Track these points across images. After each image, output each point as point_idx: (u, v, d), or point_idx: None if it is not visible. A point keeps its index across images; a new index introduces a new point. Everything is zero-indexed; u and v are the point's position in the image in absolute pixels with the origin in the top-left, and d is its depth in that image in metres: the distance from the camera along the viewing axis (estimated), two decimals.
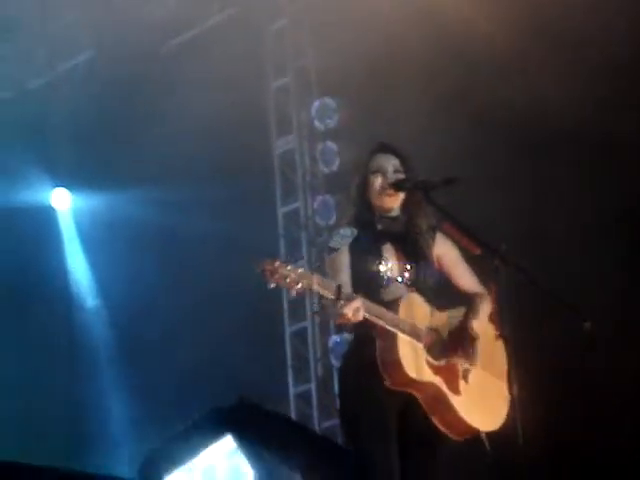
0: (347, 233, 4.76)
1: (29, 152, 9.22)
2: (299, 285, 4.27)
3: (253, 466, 2.29)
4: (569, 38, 7.16)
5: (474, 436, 4.69)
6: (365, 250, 4.74)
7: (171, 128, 8.64)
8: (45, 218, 9.62)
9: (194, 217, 8.69)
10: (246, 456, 2.33)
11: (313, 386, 8.45)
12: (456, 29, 7.50)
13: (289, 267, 4.24)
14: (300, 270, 4.28)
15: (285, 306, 8.70)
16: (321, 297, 4.46)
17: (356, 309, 4.42)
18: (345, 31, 8.16)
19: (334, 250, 4.59)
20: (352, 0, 8.03)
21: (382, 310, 4.58)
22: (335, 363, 8.07)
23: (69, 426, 8.87)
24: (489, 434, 4.73)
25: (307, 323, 8.60)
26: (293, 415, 8.47)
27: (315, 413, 8.40)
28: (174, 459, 2.36)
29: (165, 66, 8.71)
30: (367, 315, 4.48)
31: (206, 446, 2.33)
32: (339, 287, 4.39)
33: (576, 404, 6.88)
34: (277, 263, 4.23)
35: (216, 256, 8.65)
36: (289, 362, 8.60)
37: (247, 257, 8.17)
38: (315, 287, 4.32)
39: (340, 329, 8.01)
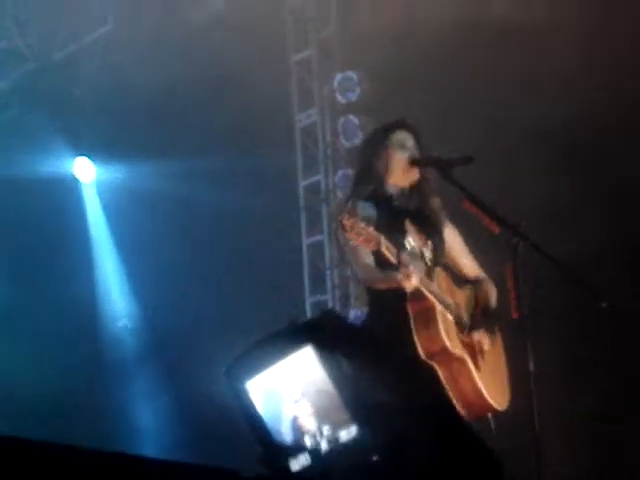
0: (367, 206, 4.81)
1: (53, 123, 9.26)
2: (370, 244, 4.42)
3: (332, 379, 2.39)
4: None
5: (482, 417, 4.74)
6: (387, 226, 4.77)
7: (193, 100, 8.66)
8: (68, 189, 9.66)
9: (216, 189, 8.71)
10: (325, 369, 2.43)
11: None
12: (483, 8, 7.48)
13: (363, 224, 4.37)
14: (371, 229, 4.41)
15: (306, 278, 8.73)
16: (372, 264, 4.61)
17: (414, 275, 4.51)
18: (369, 3, 8.14)
19: (369, 219, 4.63)
20: None
21: (429, 281, 4.66)
22: None
23: (90, 403, 8.93)
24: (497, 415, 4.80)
25: (328, 296, 8.63)
26: None
27: None
28: (255, 366, 2.48)
29: (186, 38, 8.70)
30: (419, 283, 4.56)
31: (286, 355, 2.44)
32: (399, 252, 4.49)
33: (591, 381, 6.91)
34: (354, 219, 4.36)
35: (239, 228, 8.68)
36: None
37: (269, 229, 8.32)
38: (382, 248, 4.44)
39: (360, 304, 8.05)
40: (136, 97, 8.91)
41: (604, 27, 7.06)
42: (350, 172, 8.49)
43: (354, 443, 2.51)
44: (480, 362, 4.84)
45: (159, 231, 8.96)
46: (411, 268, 4.51)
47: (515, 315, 4.56)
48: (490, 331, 4.88)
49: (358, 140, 8.51)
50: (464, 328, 4.84)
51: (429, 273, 4.81)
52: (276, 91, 8.67)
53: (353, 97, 8.56)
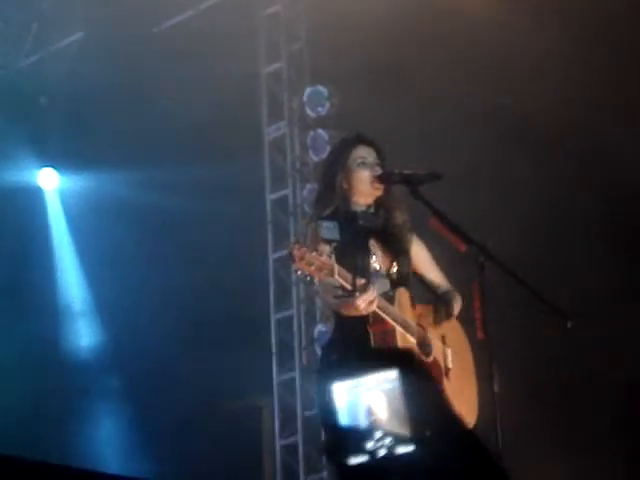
0: (330, 226, 4.74)
1: (17, 131, 9.16)
2: (322, 272, 4.31)
3: (406, 401, 2.90)
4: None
5: None
6: (351, 245, 4.71)
7: (161, 109, 8.59)
8: (32, 198, 9.57)
9: (182, 199, 8.65)
10: (403, 391, 2.92)
11: (297, 374, 8.43)
12: (452, 20, 7.47)
13: (314, 254, 4.29)
14: (323, 258, 4.32)
15: (271, 293, 8.66)
16: (338, 287, 4.51)
17: (370, 301, 4.45)
18: (340, 17, 8.11)
19: (330, 241, 4.57)
20: None
21: (387, 304, 4.60)
22: (319, 352, 8.04)
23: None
24: None
25: (293, 311, 8.56)
26: (276, 404, 8.46)
27: (298, 401, 8.39)
28: (344, 373, 3.00)
29: (157, 48, 8.64)
30: (376, 308, 4.51)
31: (373, 372, 2.94)
32: (354, 278, 4.42)
33: (555, 402, 6.89)
34: (304, 249, 4.27)
35: (204, 241, 8.61)
36: (273, 350, 8.56)
37: (235, 242, 8.28)
38: (336, 277, 4.36)
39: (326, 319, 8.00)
40: (102, 106, 8.85)
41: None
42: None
43: (409, 458, 2.93)
44: (445, 382, 4.79)
45: (123, 241, 8.87)
46: (366, 294, 4.46)
47: (480, 335, 4.51)
48: (439, 316, 4.84)
49: (327, 155, 8.45)
50: (428, 349, 4.79)
51: (393, 293, 4.76)
52: (245, 103, 8.63)
53: (323, 111, 8.51)
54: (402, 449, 2.92)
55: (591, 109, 6.91)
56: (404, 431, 2.92)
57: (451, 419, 3.05)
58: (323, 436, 4.79)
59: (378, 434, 2.94)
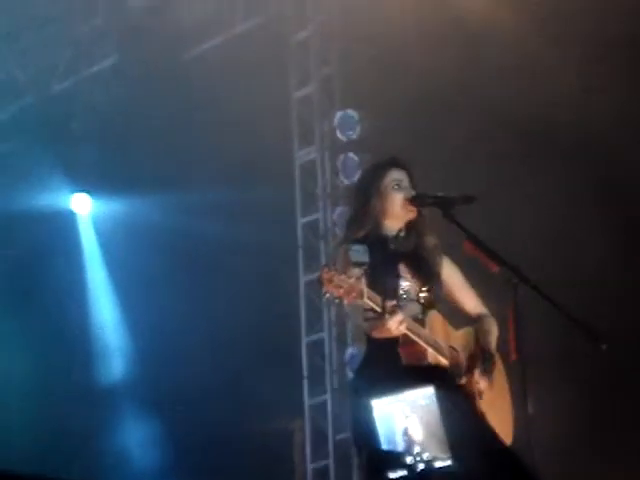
0: (360, 249, 4.75)
1: (50, 156, 9.25)
2: (351, 295, 4.34)
3: (442, 416, 3.16)
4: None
5: None
6: (381, 269, 4.72)
7: (193, 134, 8.67)
8: (65, 223, 9.64)
9: (214, 224, 8.70)
10: (439, 406, 3.19)
11: (328, 398, 8.43)
12: (484, 45, 7.50)
13: (343, 277, 4.32)
14: (352, 281, 4.34)
15: (302, 316, 8.67)
16: (368, 310, 4.53)
17: (400, 322, 4.46)
18: (370, 42, 8.15)
19: (360, 264, 4.58)
20: (377, 11, 8.01)
21: (418, 326, 4.60)
22: (351, 375, 8.04)
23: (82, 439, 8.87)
24: None
25: (324, 334, 8.57)
26: (307, 427, 8.46)
27: (329, 425, 8.38)
28: (382, 389, 3.31)
29: (188, 73, 8.72)
30: (406, 330, 4.51)
31: (410, 388, 3.26)
32: (384, 301, 4.43)
33: (591, 423, 6.86)
34: (333, 272, 4.29)
35: (236, 264, 8.65)
36: (305, 373, 8.57)
37: (266, 266, 8.32)
38: (365, 299, 4.38)
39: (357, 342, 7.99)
40: (134, 132, 8.92)
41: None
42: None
43: (447, 470, 3.04)
44: (478, 403, 4.78)
45: (155, 265, 8.93)
46: (396, 316, 4.47)
47: (514, 357, 4.50)
48: (487, 371, 4.81)
49: (357, 178, 8.47)
50: (460, 372, 4.78)
51: (424, 316, 4.76)
52: (277, 127, 8.67)
53: (353, 135, 8.55)
54: (440, 463, 3.00)
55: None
56: (441, 447, 2.99)
57: (488, 435, 3.10)
58: (357, 454, 4.75)
59: (416, 449, 2.97)
